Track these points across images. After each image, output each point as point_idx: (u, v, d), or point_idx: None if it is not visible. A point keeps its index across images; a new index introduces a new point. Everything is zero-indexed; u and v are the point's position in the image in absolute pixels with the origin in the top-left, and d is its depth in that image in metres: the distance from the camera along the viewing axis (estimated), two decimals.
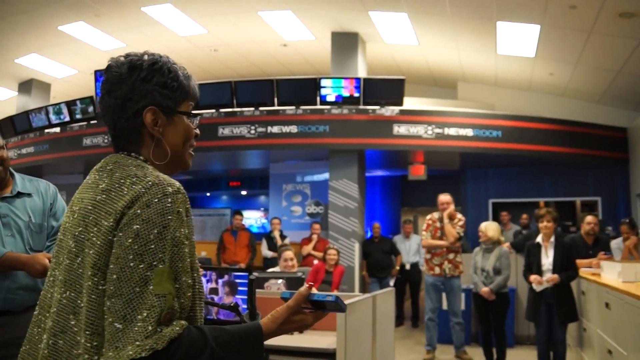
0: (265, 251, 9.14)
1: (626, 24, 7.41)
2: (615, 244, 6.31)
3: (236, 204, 16.18)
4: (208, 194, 16.83)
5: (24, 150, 10.98)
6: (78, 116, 10.18)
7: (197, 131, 1.45)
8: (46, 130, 10.67)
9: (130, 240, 1.16)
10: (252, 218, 15.67)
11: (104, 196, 1.24)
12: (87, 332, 1.17)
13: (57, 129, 10.52)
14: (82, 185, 1.36)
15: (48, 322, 1.24)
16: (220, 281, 3.88)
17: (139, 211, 1.18)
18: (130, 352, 1.10)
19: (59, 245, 1.32)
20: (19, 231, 2.59)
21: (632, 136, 10.06)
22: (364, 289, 8.86)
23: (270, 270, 6.12)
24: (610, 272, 4.60)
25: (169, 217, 1.19)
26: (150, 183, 1.21)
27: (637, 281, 3.98)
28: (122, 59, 1.37)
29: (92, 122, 10.08)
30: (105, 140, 9.86)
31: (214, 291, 3.84)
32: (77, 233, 1.24)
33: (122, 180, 1.24)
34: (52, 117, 10.44)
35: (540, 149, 9.46)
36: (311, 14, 9.16)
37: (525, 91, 11.27)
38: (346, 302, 3.32)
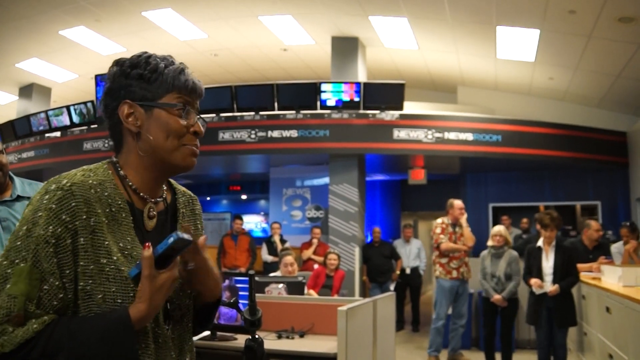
0: (265, 256, 9.14)
1: (625, 28, 7.43)
2: (616, 248, 6.32)
3: (236, 208, 16.17)
4: (208, 198, 16.81)
5: (24, 155, 10.99)
6: (78, 120, 10.19)
7: (197, 128, 1.36)
8: (46, 135, 10.67)
9: (9, 237, 1.14)
10: (253, 222, 15.67)
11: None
12: None
13: (58, 133, 10.53)
14: None
15: None
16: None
17: (25, 210, 1.17)
18: None
19: None
20: None
21: (631, 140, 10.07)
22: (364, 293, 8.85)
23: (271, 274, 6.12)
24: (610, 276, 4.60)
25: (40, 214, 1.13)
26: (50, 181, 1.19)
27: (638, 285, 3.98)
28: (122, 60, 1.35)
29: (92, 126, 10.09)
30: (106, 145, 9.86)
31: None
32: None
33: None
34: (53, 121, 10.45)
35: (540, 153, 9.47)
36: (311, 19, 9.19)
37: (525, 95, 11.29)
38: (347, 307, 3.33)
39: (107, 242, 1.19)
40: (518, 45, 8.84)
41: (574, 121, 10.11)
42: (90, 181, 1.22)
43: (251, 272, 1.89)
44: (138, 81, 1.29)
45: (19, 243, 1.11)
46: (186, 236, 1.18)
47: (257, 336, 1.56)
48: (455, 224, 6.69)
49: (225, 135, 9.28)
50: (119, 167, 1.31)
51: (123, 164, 1.31)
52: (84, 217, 1.16)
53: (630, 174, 10.21)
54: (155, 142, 1.28)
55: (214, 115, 9.36)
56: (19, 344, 1.07)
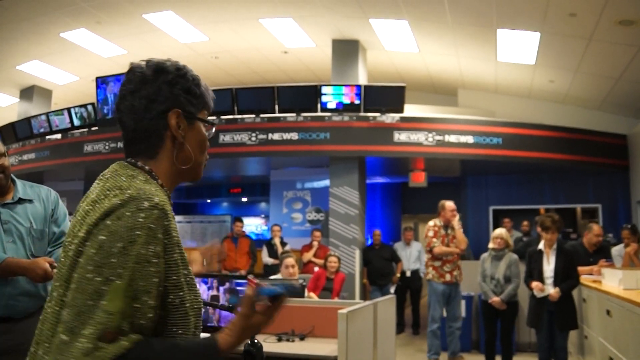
0: (265, 258, 9.13)
1: (626, 31, 7.44)
2: (616, 251, 6.31)
3: (237, 210, 16.18)
4: (209, 201, 16.83)
5: (25, 157, 11.00)
6: (78, 122, 10.20)
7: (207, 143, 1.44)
8: (47, 137, 10.68)
9: (93, 251, 1.13)
10: (253, 225, 15.68)
11: (90, 207, 1.21)
12: (46, 345, 1.14)
13: (58, 136, 10.54)
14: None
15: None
16: (221, 288, 3.89)
17: (109, 222, 1.15)
18: None
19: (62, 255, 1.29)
20: (20, 237, 2.59)
21: (632, 143, 10.07)
22: (364, 296, 8.85)
23: (271, 277, 6.12)
24: (611, 279, 4.59)
25: (138, 232, 1.14)
26: (127, 196, 1.18)
27: (638, 288, 3.98)
28: (143, 63, 1.36)
29: (93, 128, 10.10)
30: (107, 147, 9.87)
31: (215, 298, 3.84)
32: (66, 244, 1.23)
33: (107, 192, 1.21)
34: (54, 123, 10.46)
35: (540, 156, 9.47)
36: (312, 22, 9.19)
37: (525, 98, 11.29)
38: (347, 309, 3.32)
39: (184, 254, 1.25)
40: (518, 48, 8.85)
41: (575, 124, 10.11)
42: (164, 195, 1.26)
43: (250, 275, 1.91)
44: (185, 93, 1.34)
45: (113, 260, 1.11)
46: (294, 289, 1.29)
47: (256, 341, 1.56)
48: (448, 225, 6.67)
49: (226, 138, 9.28)
50: (156, 177, 1.32)
51: (156, 171, 1.32)
52: (174, 233, 1.22)
53: (630, 177, 10.20)
54: (193, 154, 1.35)
55: (214, 117, 9.35)
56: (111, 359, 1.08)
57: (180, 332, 1.20)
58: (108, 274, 1.10)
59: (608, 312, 4.11)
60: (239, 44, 10.25)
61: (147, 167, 1.31)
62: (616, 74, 8.99)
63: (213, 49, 10.46)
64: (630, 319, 3.45)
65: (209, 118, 1.43)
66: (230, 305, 1.81)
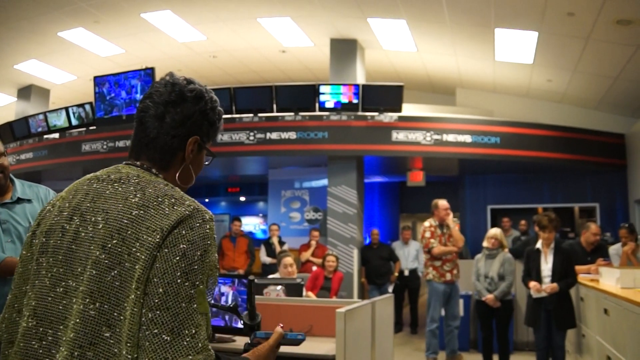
0: (264, 257, 9.14)
1: (623, 30, 7.45)
2: (614, 250, 6.32)
3: (235, 210, 16.17)
4: (207, 200, 16.80)
5: (22, 156, 10.99)
6: (76, 122, 10.18)
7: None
8: (45, 136, 10.67)
9: (177, 258, 1.21)
10: (251, 224, 15.67)
11: (141, 212, 1.25)
12: (129, 345, 1.18)
13: (56, 135, 10.53)
14: (89, 193, 1.33)
15: (68, 334, 1.21)
16: (219, 286, 3.88)
17: (183, 232, 1.23)
18: None
19: (68, 254, 1.27)
20: (19, 237, 2.59)
21: (629, 142, 10.09)
22: (363, 295, 8.85)
23: (269, 276, 6.12)
24: (608, 278, 4.60)
25: (208, 242, 1.26)
26: (191, 207, 1.28)
27: (636, 287, 3.99)
28: (184, 80, 1.45)
29: (91, 128, 10.08)
30: (105, 147, 9.86)
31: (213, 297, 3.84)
32: (110, 245, 1.23)
33: (159, 199, 1.28)
34: (51, 123, 10.45)
35: (538, 155, 9.48)
36: (310, 21, 9.20)
37: (523, 97, 11.31)
38: (345, 308, 3.33)
39: None
40: (516, 47, 8.86)
41: (573, 123, 10.13)
42: None
43: (251, 277, 1.97)
44: (209, 125, 1.46)
45: (196, 267, 1.22)
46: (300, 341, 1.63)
47: (256, 341, 1.58)
48: (443, 224, 6.67)
49: (224, 137, 9.28)
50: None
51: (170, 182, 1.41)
52: None
53: (628, 176, 10.23)
54: (192, 176, 1.47)
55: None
56: None
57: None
58: (194, 279, 1.21)
59: (605, 311, 4.12)
60: (237, 43, 10.25)
61: (161, 176, 1.39)
62: (614, 73, 9.00)
63: (211, 48, 10.46)
64: (627, 317, 3.46)
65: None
66: (231, 306, 1.89)
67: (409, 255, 9.21)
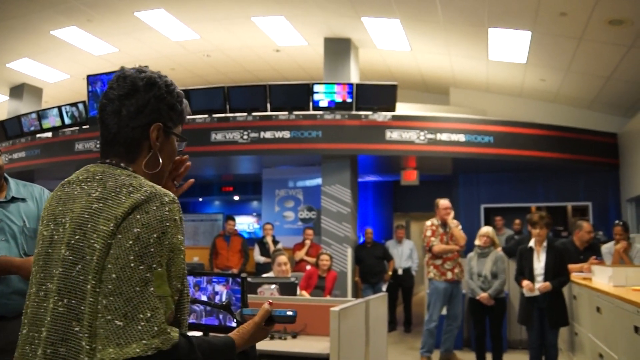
0: (257, 256, 9.13)
1: (615, 31, 7.48)
2: (606, 248, 6.35)
3: (229, 209, 16.16)
4: (200, 199, 16.79)
5: (15, 155, 10.93)
6: (69, 121, 10.14)
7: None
8: (38, 135, 10.62)
9: (130, 242, 1.20)
10: (245, 223, 15.66)
11: (100, 204, 1.27)
12: (87, 335, 1.18)
13: (49, 134, 10.49)
14: (61, 197, 1.37)
15: (42, 333, 1.23)
16: (213, 285, 3.89)
17: (138, 216, 1.23)
18: (137, 350, 1.14)
19: (46, 259, 1.31)
20: (14, 236, 2.59)
21: (622, 141, 10.15)
22: (356, 294, 8.86)
23: (263, 275, 6.12)
24: (601, 276, 4.63)
25: (167, 224, 1.25)
26: (148, 192, 1.27)
27: (628, 285, 4.01)
28: (133, 70, 1.44)
29: (84, 127, 10.05)
30: (98, 146, 9.80)
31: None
32: (73, 242, 1.26)
33: (117, 189, 1.28)
34: (44, 122, 10.40)
35: (531, 154, 9.52)
36: (304, 20, 9.20)
37: (516, 97, 11.34)
38: (340, 307, 3.34)
39: None
40: (510, 47, 8.89)
41: (565, 122, 10.17)
42: None
43: (243, 274, 1.98)
44: (169, 109, 1.45)
45: (152, 249, 1.21)
46: (294, 319, 1.58)
47: None
48: (445, 223, 6.68)
49: (218, 136, 9.27)
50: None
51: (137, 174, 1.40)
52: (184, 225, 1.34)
53: (620, 175, 10.29)
54: (163, 164, 1.45)
55: (206, 115, 9.35)
56: (173, 345, 1.19)
57: (179, 316, 1.30)
58: (149, 262, 1.20)
59: (598, 309, 4.14)
60: (231, 42, 10.24)
61: (130, 169, 1.39)
62: (606, 73, 9.04)
63: (205, 47, 10.44)
64: (619, 315, 3.48)
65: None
66: (224, 303, 1.91)
67: (402, 254, 9.23)
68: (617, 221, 6.76)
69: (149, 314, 1.16)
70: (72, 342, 1.20)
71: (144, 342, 1.14)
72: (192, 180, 1.71)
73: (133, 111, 1.39)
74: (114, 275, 1.18)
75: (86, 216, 1.27)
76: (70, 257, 1.25)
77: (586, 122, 10.48)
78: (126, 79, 1.42)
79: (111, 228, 1.22)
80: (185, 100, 1.53)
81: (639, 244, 6.50)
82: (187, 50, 10.52)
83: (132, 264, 1.19)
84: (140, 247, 1.20)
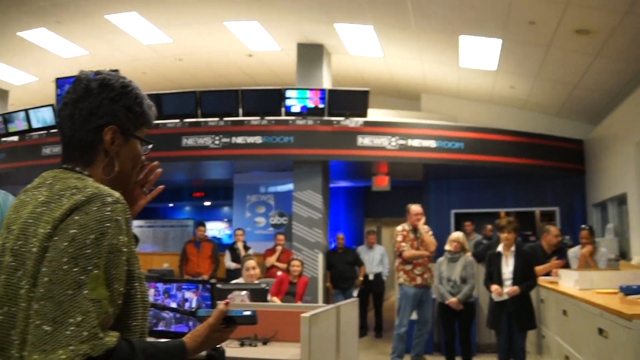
0: (228, 262, 9.07)
1: (582, 40, 7.64)
2: (572, 252, 6.47)
3: (199, 214, 16.03)
4: (171, 205, 16.63)
5: None
6: (37, 125, 9.96)
7: (143, 158, 1.50)
8: (3, 139, 10.40)
9: (65, 244, 1.16)
10: (216, 229, 15.55)
11: (43, 208, 1.23)
12: (17, 343, 1.15)
13: (15, 138, 10.28)
14: (16, 205, 1.33)
15: None
16: (182, 292, 3.85)
17: (76, 217, 1.19)
18: (63, 356, 1.08)
19: (0, 267, 1.26)
20: None
21: (587, 148, 10.37)
22: (328, 300, 8.86)
23: (233, 281, 6.08)
24: (567, 280, 4.71)
25: (107, 224, 1.20)
26: (89, 192, 1.23)
27: (593, 288, 4.08)
28: (92, 74, 1.41)
29: (52, 131, 9.88)
30: None
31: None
32: (16, 247, 1.22)
33: (61, 192, 1.25)
34: (10, 125, 10.19)
35: (501, 160, 9.65)
36: (277, 25, 9.19)
37: (487, 103, 11.49)
38: (310, 313, 3.33)
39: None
40: (481, 54, 9.00)
41: (534, 129, 10.34)
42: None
43: (213, 281, 1.94)
44: (125, 111, 1.40)
45: (88, 251, 1.16)
46: (255, 319, 1.49)
47: (218, 346, 1.56)
48: (416, 229, 6.73)
49: (189, 141, 9.21)
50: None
51: (94, 178, 1.36)
52: (131, 227, 1.29)
53: (586, 181, 10.50)
54: (123, 169, 1.41)
55: (177, 120, 9.28)
56: (105, 351, 1.12)
57: (130, 321, 1.26)
58: (85, 264, 1.15)
59: (564, 312, 4.21)
60: (203, 46, 10.18)
61: (86, 173, 1.35)
62: (574, 81, 9.22)
63: (177, 51, 10.36)
64: (584, 318, 3.55)
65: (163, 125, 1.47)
66: (192, 310, 1.82)
67: (373, 260, 9.25)
68: (583, 225, 6.90)
69: (79, 319, 1.11)
70: (11, 352, 1.16)
71: (71, 348, 1.08)
72: (161, 186, 1.64)
73: (85, 114, 1.36)
74: (46, 279, 1.13)
75: (30, 221, 1.23)
76: (13, 264, 1.21)
77: (554, 128, 10.67)
78: (81, 81, 1.39)
79: (48, 230, 1.18)
80: (148, 102, 1.48)
81: (603, 248, 6.65)
82: (158, 54, 10.43)
83: (65, 266, 1.14)
84: (75, 248, 1.15)
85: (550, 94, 10.20)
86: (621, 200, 9.02)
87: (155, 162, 1.57)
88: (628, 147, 8.33)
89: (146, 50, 10.18)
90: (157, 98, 8.97)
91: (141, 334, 1.28)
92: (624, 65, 8.16)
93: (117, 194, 1.26)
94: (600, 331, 3.16)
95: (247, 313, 1.48)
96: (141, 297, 1.28)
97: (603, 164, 9.58)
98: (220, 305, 1.46)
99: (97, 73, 1.41)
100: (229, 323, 1.47)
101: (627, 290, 3.41)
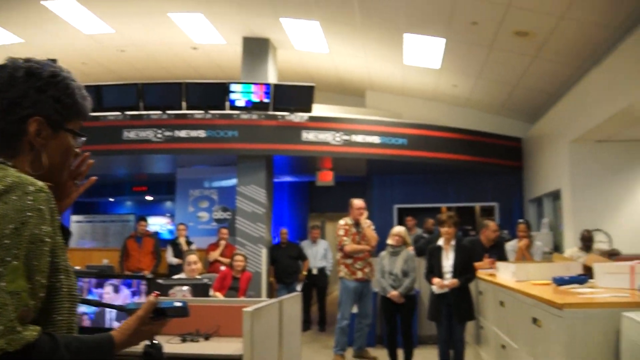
0: (170, 258, 8.93)
1: (521, 41, 7.87)
2: (510, 246, 6.71)
3: (141, 209, 15.71)
4: (111, 199, 16.23)
5: None
6: None
7: (78, 152, 1.43)
8: None
9: None
10: (158, 224, 15.28)
11: None
12: None
13: None
14: None
15: None
16: (122, 288, 3.76)
17: (1, 209, 1.13)
18: None
19: None
20: None
21: (525, 146, 10.72)
22: (271, 294, 8.84)
23: (175, 277, 5.99)
24: (505, 272, 4.86)
25: (29, 213, 1.14)
26: (10, 181, 1.17)
27: (529, 280, 4.22)
28: (20, 61, 1.32)
29: None
30: None
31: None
32: None
33: None
34: None
35: (443, 156, 9.85)
36: (222, 18, 9.08)
37: (430, 101, 11.70)
38: (252, 307, 3.31)
39: (62, 239, 1.26)
40: (425, 52, 9.15)
41: (476, 127, 10.60)
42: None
43: (149, 275, 1.87)
44: (53, 102, 1.32)
45: (7, 242, 1.10)
46: (187, 311, 1.44)
47: (156, 341, 1.52)
48: (358, 223, 6.80)
49: (130, 134, 9.00)
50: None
51: (20, 170, 1.29)
52: (57, 216, 1.23)
53: (524, 177, 10.86)
54: (52, 163, 1.33)
55: (118, 113, 9.04)
56: (23, 345, 1.08)
57: (55, 315, 1.21)
58: (3, 255, 1.09)
59: (501, 303, 4.34)
60: (146, 38, 9.96)
61: (9, 164, 1.27)
62: (513, 81, 9.49)
63: (119, 42, 10.10)
64: (520, 308, 3.67)
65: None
66: (127, 309, 1.74)
67: (317, 254, 9.28)
68: (520, 220, 7.15)
69: None
70: None
71: None
72: (94, 177, 1.54)
73: (8, 104, 1.27)
74: None
75: None
76: None
77: (494, 126, 10.97)
78: (5, 69, 1.30)
79: None
80: (82, 93, 1.40)
81: (539, 241, 6.91)
82: (100, 44, 10.13)
83: None
84: None
85: (491, 93, 10.48)
86: (556, 195, 9.37)
87: (87, 153, 1.49)
88: (562, 145, 8.66)
89: (87, 40, 9.87)
90: (97, 89, 8.74)
91: (68, 329, 1.22)
92: (560, 67, 8.46)
93: (40, 183, 1.20)
94: (534, 320, 3.27)
95: (179, 304, 1.44)
96: (68, 291, 1.23)
97: (539, 161, 9.93)
98: (150, 297, 1.40)
99: (27, 61, 1.33)
100: (160, 315, 1.42)
101: (560, 281, 3.54)
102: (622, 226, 8.15)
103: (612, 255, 6.55)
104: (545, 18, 7.08)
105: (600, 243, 7.80)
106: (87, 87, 1.44)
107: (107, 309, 3.69)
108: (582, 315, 2.74)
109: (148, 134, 8.99)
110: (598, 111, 7.25)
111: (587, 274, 3.78)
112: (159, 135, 8.99)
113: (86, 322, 3.62)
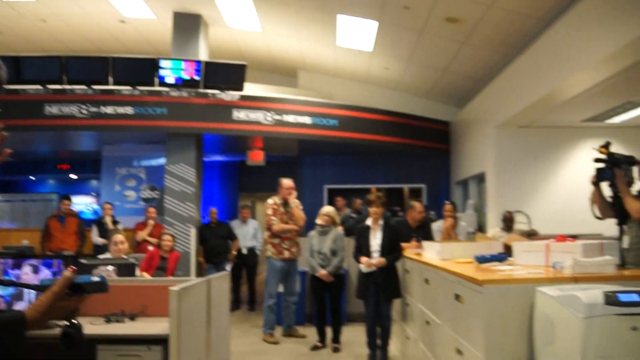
0: (95, 238, 8.67)
1: (451, 27, 8.04)
2: (436, 226, 6.91)
3: (65, 188, 15.14)
4: (33, 178, 15.57)
5: None
6: None
7: None
8: None
9: None
10: (83, 203, 14.79)
11: None
12: None
13: None
14: None
15: None
16: (41, 269, 3.63)
17: None
18: None
19: None
20: None
21: (453, 129, 11.02)
22: (200, 274, 8.75)
23: (100, 257, 5.83)
24: (430, 251, 4.99)
25: None
26: None
27: (453, 259, 4.36)
28: None
29: None
30: None
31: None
32: None
33: None
34: None
35: (373, 138, 9.99)
36: None
37: (362, 83, 11.80)
38: (180, 286, 3.27)
39: None
40: (357, 34, 9.20)
41: (406, 110, 10.80)
42: None
43: (67, 253, 1.81)
44: None
45: None
46: (107, 286, 1.39)
47: (75, 321, 1.46)
48: (286, 203, 6.83)
49: (53, 109, 8.62)
50: None
51: None
52: None
53: (451, 160, 11.17)
54: None
55: (39, 86, 8.64)
56: None
57: None
58: None
59: (426, 281, 4.46)
60: (70, 8, 9.50)
61: None
62: (443, 65, 9.70)
63: (40, 11, 9.59)
64: (444, 285, 3.78)
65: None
66: (41, 286, 1.67)
67: (247, 234, 9.25)
68: (446, 201, 7.37)
69: None
70: None
71: None
72: (8, 150, 1.45)
73: None
74: None
75: None
76: None
77: (424, 110, 11.22)
78: None
79: None
80: None
81: (464, 222, 7.14)
82: (18, 12, 9.60)
83: None
84: None
85: (421, 77, 10.67)
86: (481, 178, 9.71)
87: None
88: (488, 130, 8.95)
89: (3, 7, 9.32)
90: (15, 60, 8.30)
91: None
92: (487, 53, 8.71)
93: None
94: (457, 297, 3.38)
95: (96, 279, 1.39)
96: None
97: (466, 145, 10.23)
98: (66, 271, 1.36)
99: None
100: (78, 291, 1.37)
101: (481, 259, 3.67)
102: (541, 208, 8.56)
103: (531, 235, 6.87)
104: (475, 6, 7.25)
105: (521, 224, 8.17)
106: (3, 58, 1.35)
107: (26, 290, 3.55)
108: (500, 291, 2.85)
109: (72, 109, 8.65)
110: (522, 97, 7.53)
111: (506, 253, 3.93)
112: (84, 111, 8.66)
113: (1, 305, 3.47)
